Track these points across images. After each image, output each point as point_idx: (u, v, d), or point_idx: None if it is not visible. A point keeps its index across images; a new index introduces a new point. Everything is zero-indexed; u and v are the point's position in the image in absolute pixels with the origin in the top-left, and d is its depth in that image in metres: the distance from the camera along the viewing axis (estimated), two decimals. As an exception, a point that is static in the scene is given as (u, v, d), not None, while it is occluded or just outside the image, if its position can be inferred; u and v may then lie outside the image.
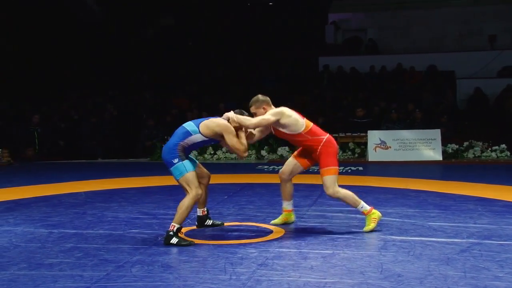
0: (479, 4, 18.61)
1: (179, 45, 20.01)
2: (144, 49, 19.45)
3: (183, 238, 4.73)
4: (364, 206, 5.05)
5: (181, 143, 4.81)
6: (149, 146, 13.47)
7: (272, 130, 5.20)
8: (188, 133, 4.84)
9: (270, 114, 4.95)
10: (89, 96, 16.75)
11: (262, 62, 18.57)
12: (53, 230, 5.24)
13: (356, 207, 5.08)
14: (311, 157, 5.17)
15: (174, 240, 4.61)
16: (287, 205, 5.39)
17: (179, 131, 4.91)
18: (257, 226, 5.39)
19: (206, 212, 5.33)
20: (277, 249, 4.46)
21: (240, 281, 3.64)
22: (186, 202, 4.70)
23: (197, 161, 5.15)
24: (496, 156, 12.13)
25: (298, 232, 5.11)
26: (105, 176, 9.84)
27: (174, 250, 4.47)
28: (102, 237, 4.95)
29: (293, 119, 5.00)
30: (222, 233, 5.10)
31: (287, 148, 12.43)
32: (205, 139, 4.89)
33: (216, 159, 12.59)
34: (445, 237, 4.83)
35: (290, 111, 5.06)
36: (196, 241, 4.76)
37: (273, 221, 5.46)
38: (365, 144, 12.48)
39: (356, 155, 12.65)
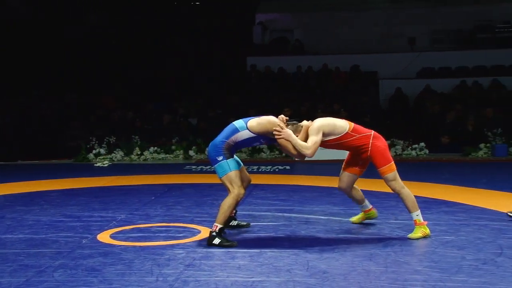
0: (399, 8, 19.34)
1: (105, 44, 19.53)
2: (70, 47, 18.84)
3: (225, 239, 4.65)
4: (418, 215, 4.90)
5: (227, 140, 4.76)
6: (73, 147, 13.05)
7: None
8: (236, 130, 4.80)
9: (315, 134, 4.82)
10: (13, 96, 16.02)
11: (192, 62, 18.43)
12: (-32, 236, 4.98)
13: (411, 213, 4.86)
14: (362, 160, 5.04)
15: (217, 241, 4.58)
16: (363, 207, 5.32)
17: (227, 128, 4.86)
18: (185, 227, 5.35)
19: (233, 213, 5.20)
20: (204, 249, 4.45)
21: (167, 283, 3.60)
22: (228, 201, 4.68)
23: (242, 164, 5.06)
24: (415, 154, 12.62)
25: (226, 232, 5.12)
26: (26, 178, 9.43)
27: (99, 252, 4.35)
28: (22, 241, 4.76)
29: (331, 124, 4.92)
30: (149, 235, 5.03)
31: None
32: (253, 135, 4.81)
33: (143, 159, 12.37)
34: (368, 234, 4.99)
35: (324, 119, 4.99)
36: (122, 243, 4.67)
37: (352, 218, 5.45)
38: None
39: (283, 154, 12.82)
